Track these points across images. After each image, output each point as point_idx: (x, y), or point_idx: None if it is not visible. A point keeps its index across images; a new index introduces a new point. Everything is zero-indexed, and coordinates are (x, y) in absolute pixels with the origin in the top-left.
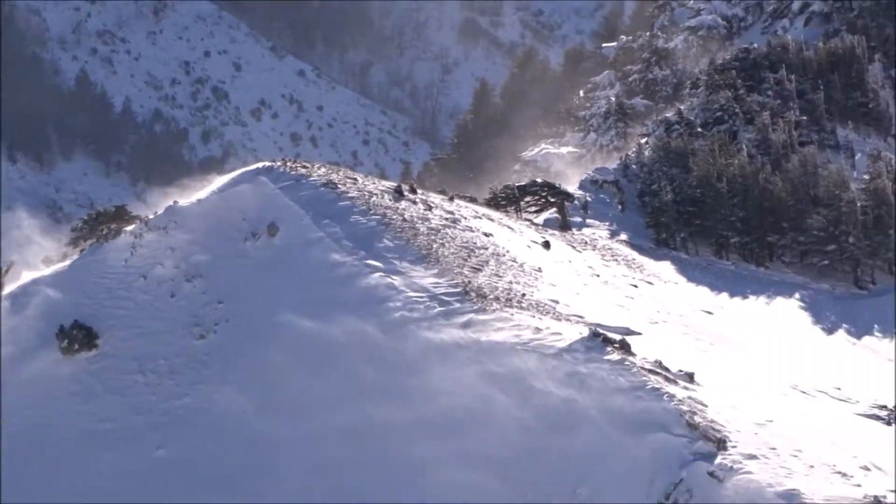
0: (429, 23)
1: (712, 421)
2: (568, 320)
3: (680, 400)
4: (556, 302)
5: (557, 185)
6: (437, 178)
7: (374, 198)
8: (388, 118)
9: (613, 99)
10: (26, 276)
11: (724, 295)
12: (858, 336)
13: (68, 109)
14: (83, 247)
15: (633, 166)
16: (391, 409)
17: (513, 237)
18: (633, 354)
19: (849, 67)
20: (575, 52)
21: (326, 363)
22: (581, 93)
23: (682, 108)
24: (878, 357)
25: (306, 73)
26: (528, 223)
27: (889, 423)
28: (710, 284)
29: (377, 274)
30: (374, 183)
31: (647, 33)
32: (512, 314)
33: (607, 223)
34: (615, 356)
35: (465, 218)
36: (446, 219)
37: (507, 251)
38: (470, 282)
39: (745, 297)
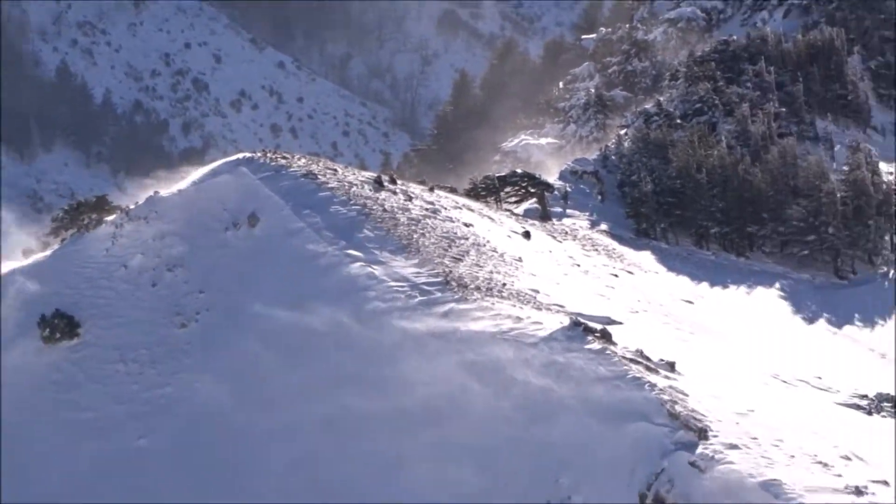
0: (408, 14)
1: (693, 410)
2: (548, 310)
3: (661, 389)
4: (537, 291)
5: (537, 176)
6: (417, 169)
7: (354, 188)
8: (368, 109)
9: (593, 90)
10: (6, 267)
11: (705, 285)
12: (839, 325)
13: (49, 101)
14: (64, 237)
15: (613, 157)
16: (369, 399)
17: (493, 227)
18: (613, 344)
19: (828, 59)
20: (554, 43)
21: (305, 354)
22: (561, 84)
23: (661, 99)
24: (858, 346)
25: (286, 65)
26: (508, 213)
27: (869, 413)
28: (691, 274)
29: (358, 264)
30: (355, 174)
31: (627, 25)
32: (492, 304)
33: (587, 213)
34: (596, 345)
35: (446, 208)
36: (427, 209)
37: (488, 241)
38: (451, 272)
39: (725, 286)
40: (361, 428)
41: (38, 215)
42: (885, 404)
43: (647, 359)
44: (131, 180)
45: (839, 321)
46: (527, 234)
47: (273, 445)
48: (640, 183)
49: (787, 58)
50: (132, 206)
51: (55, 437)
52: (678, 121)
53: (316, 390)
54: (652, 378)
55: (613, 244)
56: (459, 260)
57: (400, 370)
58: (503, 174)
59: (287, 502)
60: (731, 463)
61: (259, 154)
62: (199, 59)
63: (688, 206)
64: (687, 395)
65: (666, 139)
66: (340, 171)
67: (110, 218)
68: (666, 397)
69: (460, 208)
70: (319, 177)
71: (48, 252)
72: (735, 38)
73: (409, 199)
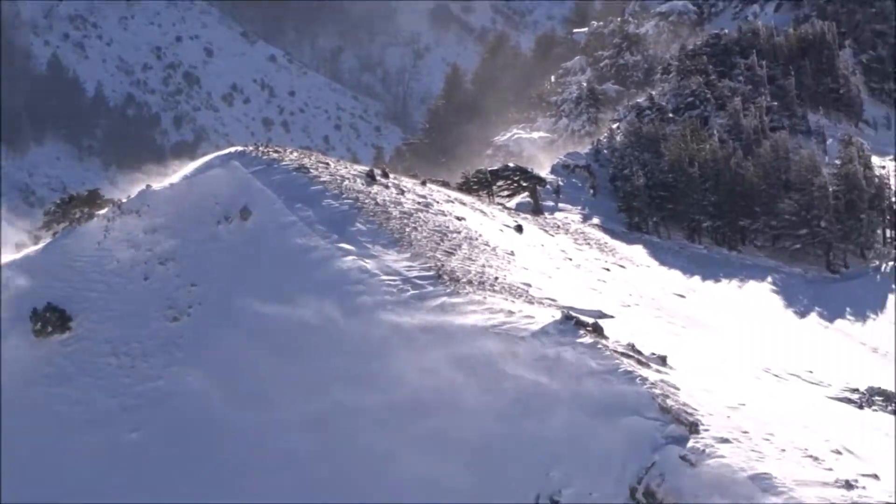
0: (400, 8)
1: (685, 404)
2: (540, 304)
3: (652, 383)
4: (529, 285)
5: (530, 170)
6: (409, 163)
7: (346, 182)
8: (360, 103)
9: (585, 84)
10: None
11: (697, 278)
12: (830, 319)
13: (40, 94)
14: (56, 230)
15: (605, 151)
16: (361, 395)
17: (485, 221)
18: (605, 338)
19: (819, 53)
20: (546, 37)
21: (296, 348)
22: (552, 78)
23: (653, 93)
24: (850, 340)
25: (278, 59)
26: (500, 207)
27: (861, 407)
28: (683, 268)
29: (350, 258)
30: (347, 167)
31: (618, 19)
32: (484, 297)
33: (579, 207)
34: (588, 339)
35: (438, 202)
36: (419, 203)
37: (480, 235)
38: (443, 265)
39: (717, 280)
40: (352, 423)
41: (30, 209)
42: (877, 398)
43: (639, 353)
44: (123, 174)
45: (831, 315)
46: (519, 228)
47: (263, 441)
48: (632, 177)
49: (779, 51)
50: (124, 200)
51: (47, 431)
52: (670, 115)
53: (307, 385)
54: (643, 372)
55: (605, 238)
56: (451, 254)
57: (392, 365)
58: (495, 168)
59: (275, 499)
60: (721, 457)
61: (251, 148)
62: (190, 52)
63: (680, 200)
64: (678, 389)
65: (658, 133)
66: (332, 165)
67: (102, 212)
68: (657, 391)
69: (452, 202)
70: (311, 170)
71: (40, 246)
72: (726, 31)
73: (402, 192)
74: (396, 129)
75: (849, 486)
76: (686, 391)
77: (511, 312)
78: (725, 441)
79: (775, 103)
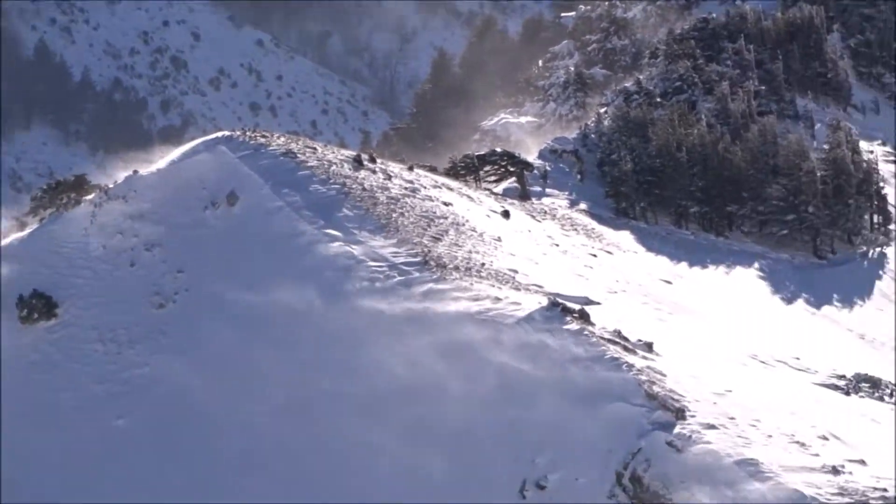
0: None
1: (671, 391)
2: (527, 290)
3: (639, 370)
4: (516, 271)
5: (517, 155)
6: (397, 148)
7: (333, 167)
8: (347, 88)
9: (572, 69)
10: None
11: (684, 264)
12: (817, 306)
13: (27, 79)
14: (43, 216)
15: (593, 136)
16: (343, 383)
17: (472, 207)
18: (592, 324)
19: (807, 37)
20: (534, 21)
21: (280, 336)
22: (540, 62)
23: (641, 77)
24: (837, 327)
25: (265, 43)
26: (487, 193)
27: (847, 393)
28: (670, 254)
29: (336, 243)
30: (334, 152)
31: (606, 3)
32: (471, 284)
33: (566, 193)
34: (574, 326)
35: (425, 187)
36: (406, 188)
37: (467, 220)
38: (429, 251)
39: (704, 266)
40: (335, 411)
41: (16, 195)
42: (863, 385)
43: (626, 339)
44: (110, 159)
45: (818, 301)
46: (506, 214)
47: (246, 430)
48: (619, 162)
49: (767, 36)
50: (111, 186)
51: (34, 418)
52: (658, 99)
53: (291, 373)
54: (630, 358)
55: (592, 224)
56: (438, 239)
57: (376, 353)
58: (482, 153)
59: (258, 487)
60: (708, 443)
61: (238, 132)
62: (177, 37)
63: (667, 186)
64: (665, 376)
65: (646, 118)
66: (320, 150)
67: (89, 197)
68: (644, 378)
69: (439, 187)
70: (299, 155)
71: (26, 232)
72: (714, 15)
73: (389, 177)
74: (384, 114)
75: (835, 471)
76: (672, 377)
77: (498, 299)
78: (712, 427)
79: (763, 88)
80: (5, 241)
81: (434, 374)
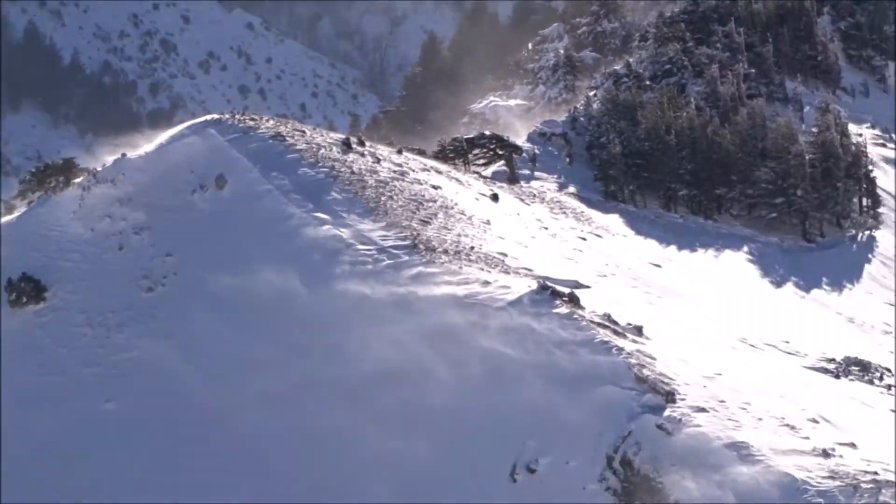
0: None
1: (661, 374)
2: (517, 273)
3: (629, 353)
4: (505, 255)
5: (506, 138)
6: (386, 131)
7: (322, 150)
8: (337, 71)
9: (562, 51)
10: None
11: (673, 248)
12: (807, 289)
13: (17, 62)
14: (31, 199)
15: (582, 119)
16: (330, 368)
17: (461, 190)
18: (581, 307)
19: (797, 20)
20: (524, 4)
21: (267, 320)
22: (529, 45)
23: (630, 60)
24: (826, 310)
25: (255, 26)
26: (476, 176)
27: (837, 377)
28: (659, 237)
29: (325, 227)
30: (323, 135)
31: None
32: (460, 267)
33: (555, 176)
34: (564, 309)
35: (414, 170)
36: (395, 171)
37: (456, 204)
38: (419, 234)
39: (693, 249)
40: (321, 396)
41: (5, 178)
42: (853, 368)
43: (615, 323)
44: (99, 142)
45: (807, 285)
46: (495, 197)
47: (230, 416)
48: (608, 145)
49: (757, 19)
50: (99, 169)
51: (22, 401)
52: (647, 82)
53: (279, 357)
54: (619, 342)
55: (581, 207)
56: (427, 223)
57: (364, 336)
58: (471, 136)
59: (239, 474)
60: (698, 426)
61: (227, 115)
62: (167, 19)
63: (656, 169)
64: (654, 359)
65: (635, 101)
66: (309, 133)
67: (77, 181)
68: (633, 361)
69: (428, 171)
70: (288, 138)
71: (15, 215)
72: None
73: (378, 161)
74: (373, 97)
75: (826, 454)
76: (662, 361)
77: (487, 283)
78: (702, 410)
79: (753, 71)
80: None
81: (420, 359)
